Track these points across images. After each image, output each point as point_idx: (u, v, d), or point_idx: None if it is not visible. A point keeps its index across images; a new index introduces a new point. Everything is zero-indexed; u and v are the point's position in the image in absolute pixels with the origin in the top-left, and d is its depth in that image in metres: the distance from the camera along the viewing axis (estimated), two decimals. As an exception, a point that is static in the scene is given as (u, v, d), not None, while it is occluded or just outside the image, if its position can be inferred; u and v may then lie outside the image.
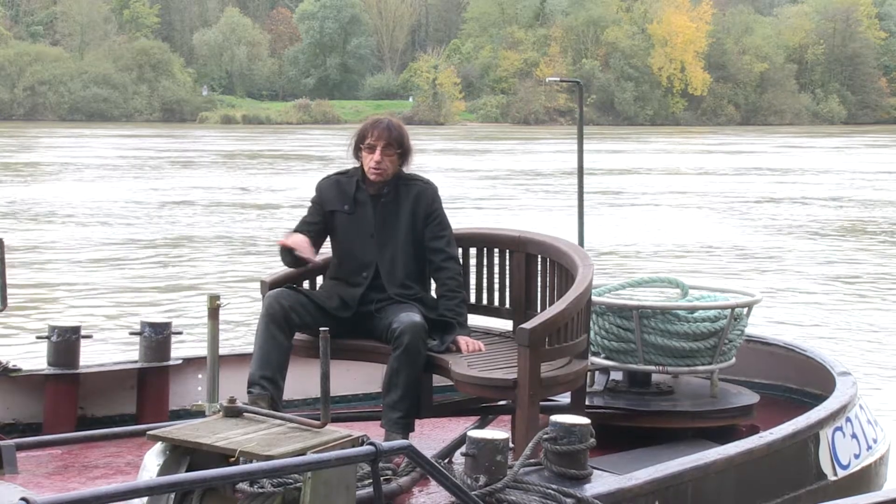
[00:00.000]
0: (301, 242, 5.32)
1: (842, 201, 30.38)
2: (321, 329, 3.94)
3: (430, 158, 47.01)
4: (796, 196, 31.80)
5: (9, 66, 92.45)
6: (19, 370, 5.67)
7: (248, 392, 5.08)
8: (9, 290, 5.58)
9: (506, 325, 5.79)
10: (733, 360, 5.96)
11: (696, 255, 19.79)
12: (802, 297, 15.50)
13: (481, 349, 5.27)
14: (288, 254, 5.40)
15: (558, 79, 8.74)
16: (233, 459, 3.73)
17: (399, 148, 5.43)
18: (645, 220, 25.38)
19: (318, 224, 5.48)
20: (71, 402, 5.69)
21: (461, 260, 5.68)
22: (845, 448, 5.28)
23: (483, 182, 35.70)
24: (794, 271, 17.91)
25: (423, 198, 5.44)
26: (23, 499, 2.70)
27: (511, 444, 4.48)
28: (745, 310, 5.94)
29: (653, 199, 30.84)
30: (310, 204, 5.57)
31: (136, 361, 5.94)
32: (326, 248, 5.61)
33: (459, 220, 22.09)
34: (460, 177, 37.36)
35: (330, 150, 50.78)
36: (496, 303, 5.85)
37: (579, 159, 7.40)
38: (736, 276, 16.86)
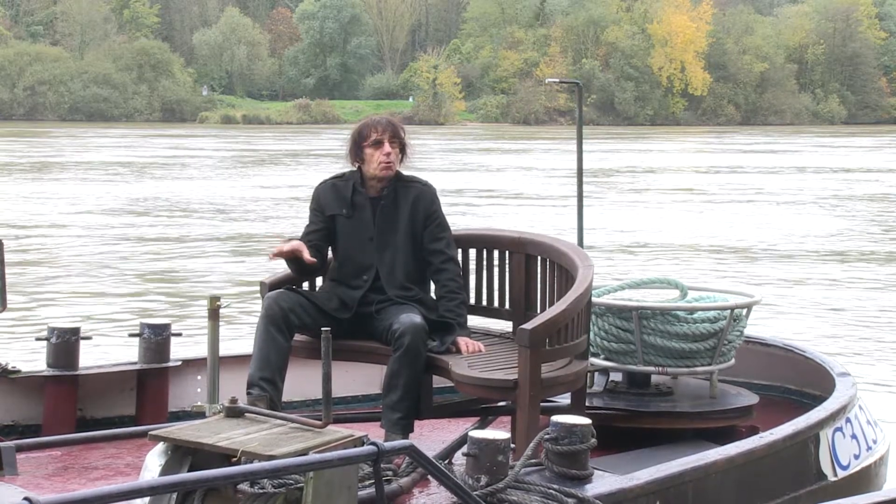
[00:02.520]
0: (296, 245, 5.30)
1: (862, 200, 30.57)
2: (323, 330, 3.94)
3: (487, 157, 47.67)
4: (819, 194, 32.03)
5: (9, 66, 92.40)
6: (18, 371, 5.66)
7: (248, 393, 5.08)
8: (8, 292, 5.58)
9: (505, 326, 5.79)
10: (732, 360, 5.96)
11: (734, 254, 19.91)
12: (802, 296, 15.50)
13: (481, 350, 5.27)
14: (292, 262, 5.38)
15: (558, 80, 8.72)
16: (235, 459, 3.73)
17: (401, 142, 5.44)
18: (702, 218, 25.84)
19: (321, 230, 5.46)
20: (70, 404, 5.69)
21: (461, 261, 5.68)
22: (845, 448, 5.29)
23: (557, 180, 36.07)
24: (792, 271, 17.92)
25: (423, 199, 5.44)
26: (26, 498, 2.70)
27: (511, 445, 4.48)
28: (745, 311, 5.94)
29: (685, 197, 31.32)
30: (309, 211, 5.56)
31: (135, 363, 5.93)
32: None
33: (566, 220, 22.68)
34: (534, 175, 37.74)
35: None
36: (496, 304, 5.85)
37: (578, 160, 7.40)
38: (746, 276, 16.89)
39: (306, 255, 5.28)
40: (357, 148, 5.44)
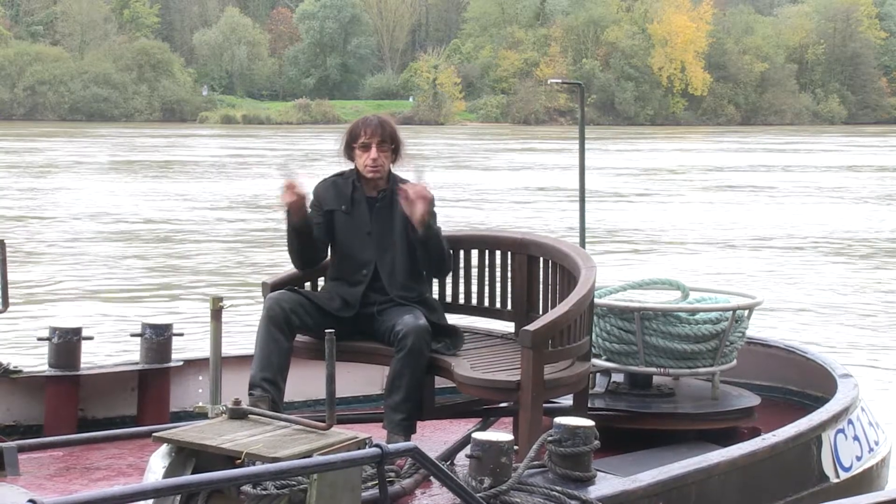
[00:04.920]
0: (303, 192, 5.26)
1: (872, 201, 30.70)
2: (326, 331, 3.95)
3: (542, 156, 47.75)
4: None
5: (9, 66, 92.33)
6: (20, 372, 5.66)
7: (249, 394, 5.08)
8: (10, 291, 5.58)
9: (507, 327, 5.79)
10: (734, 362, 5.96)
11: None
12: (803, 298, 15.50)
13: (427, 192, 5.19)
14: (295, 211, 5.28)
15: (559, 80, 8.73)
16: (239, 461, 3.73)
17: (392, 143, 5.45)
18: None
19: (321, 223, 5.47)
20: (71, 404, 5.69)
21: (463, 262, 5.71)
22: (847, 450, 5.29)
23: (632, 178, 36.45)
24: (793, 273, 17.92)
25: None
26: (30, 500, 2.70)
27: (514, 446, 4.48)
28: (746, 312, 5.94)
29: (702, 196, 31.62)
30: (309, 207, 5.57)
31: (136, 363, 5.94)
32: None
33: (651, 217, 23.28)
34: (606, 174, 37.86)
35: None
36: (498, 305, 5.86)
37: (580, 160, 7.41)
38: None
39: (303, 192, 5.27)
40: (348, 147, 5.48)
